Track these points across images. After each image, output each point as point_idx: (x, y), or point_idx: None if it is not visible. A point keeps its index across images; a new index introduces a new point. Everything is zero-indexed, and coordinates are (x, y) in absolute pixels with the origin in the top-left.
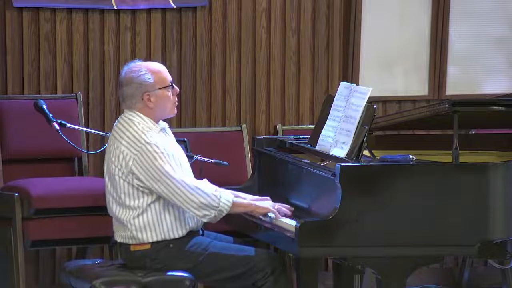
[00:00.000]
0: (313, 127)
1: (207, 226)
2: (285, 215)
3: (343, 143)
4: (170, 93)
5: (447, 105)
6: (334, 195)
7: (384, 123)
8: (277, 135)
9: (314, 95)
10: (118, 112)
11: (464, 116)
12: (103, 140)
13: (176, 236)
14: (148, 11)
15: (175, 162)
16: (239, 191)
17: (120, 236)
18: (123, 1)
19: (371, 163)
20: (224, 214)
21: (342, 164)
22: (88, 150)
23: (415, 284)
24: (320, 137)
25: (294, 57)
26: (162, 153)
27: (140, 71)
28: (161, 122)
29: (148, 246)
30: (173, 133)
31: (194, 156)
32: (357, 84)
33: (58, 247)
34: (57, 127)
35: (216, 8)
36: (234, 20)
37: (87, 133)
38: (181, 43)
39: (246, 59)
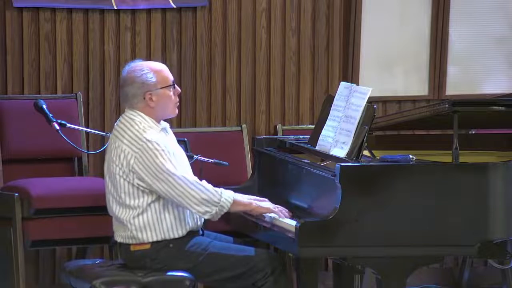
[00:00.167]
0: (313, 127)
1: (207, 226)
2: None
3: (343, 143)
4: (171, 93)
5: (447, 105)
6: (334, 195)
7: (384, 123)
8: (277, 135)
9: (314, 95)
10: (118, 112)
11: (464, 116)
12: (103, 140)
13: (176, 236)
14: (148, 11)
15: (176, 160)
16: (239, 191)
17: (120, 236)
18: (123, 1)
19: (371, 163)
20: (225, 211)
21: (342, 164)
22: (88, 150)
23: (415, 284)
24: (320, 137)
25: (294, 57)
26: (163, 150)
27: (142, 70)
28: (162, 122)
29: (148, 246)
30: (173, 133)
31: (194, 156)
32: (357, 84)
33: (58, 247)
34: (57, 127)
35: (216, 8)
36: (234, 20)
37: (87, 133)
38: (181, 43)
39: (246, 59)
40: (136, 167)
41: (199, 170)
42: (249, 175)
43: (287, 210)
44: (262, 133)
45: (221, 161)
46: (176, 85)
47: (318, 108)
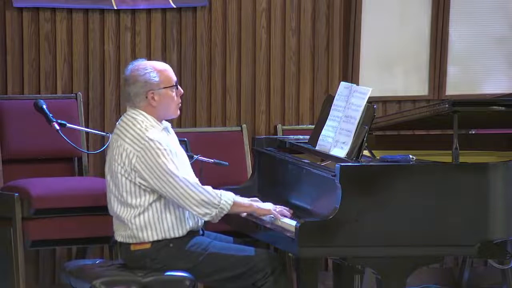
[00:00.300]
0: (313, 127)
1: (207, 226)
2: (285, 217)
3: (343, 143)
4: (174, 94)
5: (447, 105)
6: (334, 195)
7: (384, 123)
8: (277, 135)
9: (314, 95)
10: (118, 112)
11: (464, 116)
12: (103, 140)
13: (177, 236)
14: (148, 11)
15: (178, 160)
16: (239, 191)
17: (120, 236)
18: (123, 1)
19: (371, 163)
20: (224, 213)
21: (342, 164)
22: (88, 150)
23: (415, 284)
24: (320, 137)
25: (294, 57)
26: (165, 150)
27: (146, 69)
28: (164, 121)
29: (148, 246)
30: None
31: (194, 156)
32: (357, 84)
33: (58, 247)
34: (57, 127)
35: (216, 8)
36: (234, 20)
37: (87, 133)
38: (181, 43)
39: (246, 59)
40: (138, 166)
41: (199, 170)
42: (249, 175)
43: (288, 209)
44: (262, 133)
45: (221, 161)
46: (179, 86)
47: (318, 108)
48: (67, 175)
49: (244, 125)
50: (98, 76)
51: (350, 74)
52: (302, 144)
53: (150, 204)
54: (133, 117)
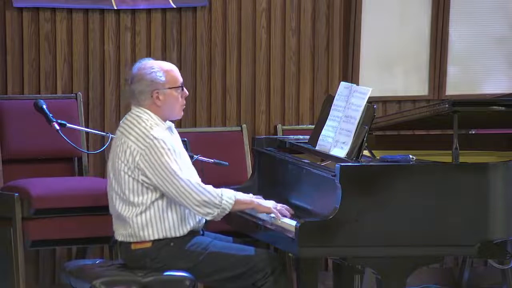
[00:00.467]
0: (313, 127)
1: (207, 226)
2: (285, 217)
3: (343, 143)
4: (179, 95)
5: (447, 105)
6: (334, 195)
7: (384, 123)
8: (277, 135)
9: (314, 95)
10: (118, 112)
11: (464, 116)
12: (103, 140)
13: (178, 235)
14: (148, 11)
15: (181, 160)
16: (240, 191)
17: (121, 235)
18: (123, 1)
19: (371, 163)
20: (227, 212)
21: (342, 164)
22: (88, 150)
23: (415, 284)
24: (320, 137)
25: (294, 57)
26: (169, 149)
27: (153, 68)
28: (167, 121)
29: (149, 245)
30: None
31: (194, 156)
32: (357, 84)
33: (58, 247)
34: (57, 127)
35: (216, 8)
36: (234, 20)
37: (87, 133)
38: (181, 43)
39: (246, 59)
40: (142, 164)
41: (199, 170)
42: (249, 175)
43: (289, 208)
44: (262, 133)
45: (221, 161)
46: (184, 88)
47: (318, 108)
48: (67, 175)
49: (244, 125)
50: (98, 76)
51: (350, 74)
52: (302, 144)
53: (152, 203)
54: (138, 115)
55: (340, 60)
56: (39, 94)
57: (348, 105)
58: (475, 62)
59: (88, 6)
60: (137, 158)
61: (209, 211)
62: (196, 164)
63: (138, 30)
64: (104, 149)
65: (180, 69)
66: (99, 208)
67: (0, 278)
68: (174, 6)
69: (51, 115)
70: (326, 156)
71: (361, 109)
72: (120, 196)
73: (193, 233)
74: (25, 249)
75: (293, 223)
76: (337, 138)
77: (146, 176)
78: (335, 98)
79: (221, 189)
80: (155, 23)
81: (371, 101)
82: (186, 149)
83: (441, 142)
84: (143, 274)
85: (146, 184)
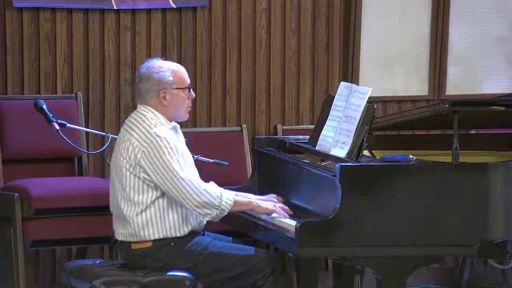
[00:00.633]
0: (313, 127)
1: (207, 226)
2: (284, 217)
3: (343, 143)
4: (186, 96)
5: (447, 105)
6: (334, 195)
7: (384, 123)
8: (277, 135)
9: (314, 95)
10: (118, 112)
11: (464, 116)
12: (103, 140)
13: (178, 235)
14: (148, 11)
15: (184, 160)
16: (240, 191)
17: (121, 235)
18: (123, 1)
19: (371, 163)
20: (226, 213)
21: (342, 164)
22: (88, 150)
23: (415, 284)
24: (320, 137)
25: (294, 57)
26: (171, 148)
27: (161, 68)
28: (172, 122)
29: (149, 244)
30: None
31: (194, 156)
32: (357, 84)
33: (58, 247)
34: (57, 127)
35: (216, 8)
36: (234, 20)
37: (87, 133)
38: (181, 43)
39: (246, 59)
40: (143, 161)
41: (199, 170)
42: (249, 175)
43: (288, 209)
44: (262, 133)
45: (221, 161)
46: (191, 90)
47: (318, 108)
48: (67, 175)
49: (244, 125)
50: (98, 76)
51: (350, 74)
52: (302, 144)
53: (153, 202)
54: (143, 114)
55: (340, 60)
56: (39, 94)
57: (348, 105)
58: (475, 62)
59: (88, 6)
60: (138, 155)
61: (208, 211)
62: (196, 164)
63: (138, 30)
64: (104, 149)
65: None
66: (99, 208)
67: (0, 278)
68: (174, 6)
69: (51, 115)
70: (326, 156)
71: (361, 109)
72: (121, 193)
73: (193, 233)
74: (25, 249)
75: (293, 223)
76: (337, 138)
77: (147, 174)
78: (335, 98)
79: (220, 189)
80: (155, 23)
81: (371, 101)
82: None
83: (441, 142)
84: (143, 274)
85: (147, 182)
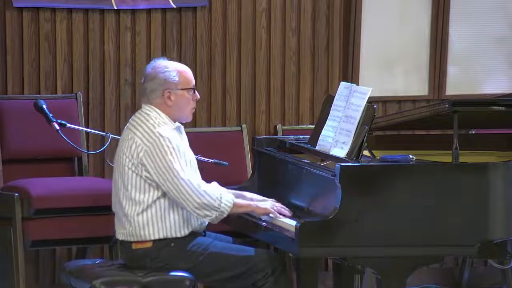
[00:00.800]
0: (313, 127)
1: (207, 226)
2: (284, 217)
3: (343, 143)
4: (190, 97)
5: (447, 105)
6: (334, 195)
7: (384, 123)
8: (277, 135)
9: (314, 95)
10: (118, 112)
11: (464, 116)
12: (103, 140)
13: (179, 235)
14: (148, 11)
15: (185, 161)
16: (240, 190)
17: (121, 234)
18: (123, 1)
19: (371, 163)
20: (225, 215)
21: (342, 164)
22: (88, 150)
23: (415, 284)
24: (320, 137)
25: (294, 57)
26: (173, 148)
27: (167, 67)
28: (176, 122)
29: (150, 244)
30: None
31: (194, 156)
32: (357, 84)
33: (58, 247)
34: (57, 127)
35: (216, 8)
36: (234, 20)
37: (87, 133)
38: (181, 43)
39: (246, 59)
40: (145, 160)
41: (201, 170)
42: (249, 175)
43: (287, 209)
44: (262, 133)
45: (221, 161)
46: (196, 92)
47: (318, 108)
48: (67, 175)
49: (244, 125)
50: (98, 76)
51: (350, 74)
52: (302, 144)
53: (154, 201)
54: (146, 113)
55: (340, 60)
56: (39, 94)
57: (348, 105)
58: (475, 62)
59: (88, 6)
60: (141, 154)
61: (208, 213)
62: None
63: (138, 30)
64: (104, 149)
65: None
66: (99, 208)
67: (0, 278)
68: (174, 6)
69: (51, 115)
70: (326, 156)
71: (361, 109)
72: (123, 192)
73: (194, 234)
74: (25, 249)
75: (293, 223)
76: (337, 138)
77: (149, 173)
78: (335, 98)
79: (221, 191)
80: (155, 23)
81: (371, 101)
82: None
83: (441, 142)
84: (143, 274)
85: (149, 181)
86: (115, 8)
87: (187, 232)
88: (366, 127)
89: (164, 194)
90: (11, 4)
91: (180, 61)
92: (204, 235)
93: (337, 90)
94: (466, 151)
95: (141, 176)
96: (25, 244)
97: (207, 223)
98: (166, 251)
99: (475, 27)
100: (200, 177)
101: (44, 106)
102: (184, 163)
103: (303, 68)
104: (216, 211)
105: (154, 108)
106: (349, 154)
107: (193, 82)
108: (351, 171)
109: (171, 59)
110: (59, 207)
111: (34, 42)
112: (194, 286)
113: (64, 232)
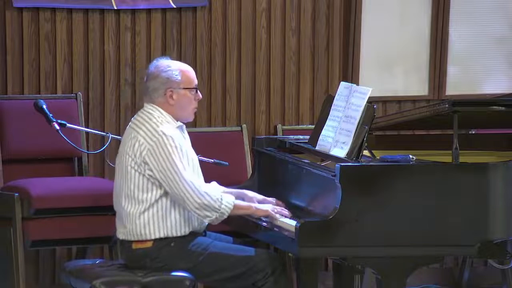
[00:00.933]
0: (313, 127)
1: (208, 226)
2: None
3: (343, 143)
4: (192, 97)
5: (447, 105)
6: (334, 195)
7: (384, 123)
8: (277, 135)
9: (314, 95)
10: (118, 112)
11: (464, 116)
12: (103, 140)
13: (179, 235)
14: (148, 11)
15: (188, 160)
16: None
17: (122, 233)
18: (123, 1)
19: (371, 163)
20: (225, 217)
21: (342, 164)
22: (88, 150)
23: (415, 284)
24: (320, 137)
25: (294, 57)
26: (176, 147)
27: (169, 66)
28: (178, 121)
29: (150, 244)
30: None
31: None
32: (357, 84)
33: (58, 247)
34: (57, 127)
35: (216, 8)
36: (234, 20)
37: (87, 133)
38: (181, 43)
39: (246, 59)
40: (148, 158)
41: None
42: (249, 175)
43: (287, 211)
44: (262, 133)
45: (221, 161)
46: (198, 91)
47: (318, 108)
48: (67, 175)
49: (244, 125)
50: (98, 76)
51: (350, 74)
52: (302, 144)
53: (157, 201)
54: (149, 112)
55: (340, 60)
56: (39, 94)
57: (348, 105)
58: (475, 62)
59: (88, 6)
60: (144, 153)
61: (208, 214)
62: None
63: (138, 30)
64: (104, 149)
65: None
66: (99, 208)
67: (0, 278)
68: (174, 6)
69: (51, 115)
70: (326, 156)
71: (361, 109)
72: (125, 192)
73: (194, 234)
74: (25, 249)
75: (293, 223)
76: (337, 138)
77: (152, 171)
78: (335, 98)
79: (221, 192)
80: (155, 23)
81: (371, 101)
82: None
83: (441, 142)
84: (143, 274)
85: (152, 180)
86: (115, 8)
87: (187, 231)
88: (366, 127)
89: (166, 193)
90: (11, 4)
91: (180, 61)
92: (205, 235)
93: (337, 90)
94: (466, 151)
95: (144, 175)
96: (25, 244)
97: (207, 223)
98: (166, 250)
99: (475, 27)
100: (202, 177)
101: (44, 106)
102: (187, 162)
103: (303, 68)
104: (217, 212)
105: (157, 107)
106: (349, 154)
107: (196, 81)
108: (351, 171)
109: (171, 59)
110: (59, 207)
111: (34, 42)
112: (194, 286)
113: (64, 232)
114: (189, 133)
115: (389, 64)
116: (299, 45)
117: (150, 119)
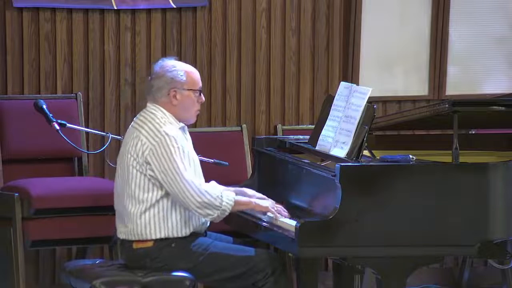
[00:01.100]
0: (313, 127)
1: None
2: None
3: (343, 143)
4: (196, 98)
5: (447, 105)
6: (334, 195)
7: (384, 123)
8: (277, 135)
9: (314, 95)
10: (118, 112)
11: (464, 116)
12: (103, 140)
13: (180, 235)
14: (148, 11)
15: (189, 161)
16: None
17: (122, 233)
18: (123, 1)
19: (371, 163)
20: (227, 213)
21: (342, 164)
22: (88, 150)
23: (415, 284)
24: (320, 137)
25: (294, 57)
26: (178, 148)
27: (174, 67)
28: (180, 122)
29: (151, 244)
30: None
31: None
32: (357, 84)
33: (58, 247)
34: (57, 127)
35: (216, 8)
36: (234, 20)
37: (87, 133)
38: (181, 43)
39: (246, 59)
40: (149, 158)
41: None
42: (249, 175)
43: (286, 211)
44: (262, 133)
45: (221, 161)
46: (202, 94)
47: (318, 108)
48: (67, 175)
49: (244, 125)
50: (98, 76)
51: (350, 74)
52: (302, 144)
53: (157, 201)
54: (152, 112)
55: (340, 60)
56: (39, 94)
57: (348, 105)
58: (475, 62)
59: (88, 6)
60: (146, 152)
61: (209, 212)
62: None
63: (138, 30)
64: (104, 149)
65: None
66: (99, 208)
67: (0, 278)
68: (174, 6)
69: (51, 115)
70: (326, 156)
71: (361, 109)
72: (127, 191)
73: (195, 234)
74: (25, 249)
75: (293, 223)
76: (337, 138)
77: (153, 171)
78: (335, 98)
79: (221, 190)
80: (155, 23)
81: (371, 101)
82: None
83: (441, 142)
84: (143, 274)
85: (153, 180)
86: (115, 8)
87: (188, 232)
88: (366, 127)
89: (166, 194)
90: (11, 4)
91: (180, 61)
92: (205, 235)
93: (337, 90)
94: (466, 151)
95: (145, 175)
96: (25, 244)
97: (208, 223)
98: (167, 251)
99: (475, 27)
100: (203, 178)
101: (44, 106)
102: (188, 163)
103: (303, 68)
104: (218, 209)
105: (159, 107)
106: (349, 154)
107: (200, 84)
108: (351, 171)
109: (177, 59)
110: (59, 207)
111: (34, 42)
112: (194, 286)
113: (64, 232)
114: (189, 133)
115: (389, 64)
116: (299, 45)
117: (153, 119)
